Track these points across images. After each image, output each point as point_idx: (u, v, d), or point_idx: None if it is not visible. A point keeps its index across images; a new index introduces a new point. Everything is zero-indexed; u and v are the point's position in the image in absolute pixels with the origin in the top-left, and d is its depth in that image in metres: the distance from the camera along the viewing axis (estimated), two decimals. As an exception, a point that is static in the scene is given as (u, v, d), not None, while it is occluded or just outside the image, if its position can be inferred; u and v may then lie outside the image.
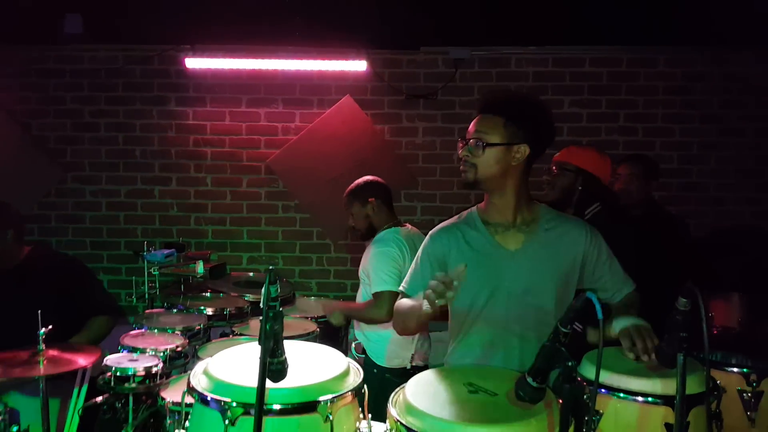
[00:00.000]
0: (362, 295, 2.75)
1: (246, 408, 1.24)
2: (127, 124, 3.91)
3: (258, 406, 1.10)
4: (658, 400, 1.28)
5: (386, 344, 2.62)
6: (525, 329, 1.63)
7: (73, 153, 3.93)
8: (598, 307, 0.97)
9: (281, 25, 3.63)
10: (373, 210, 2.70)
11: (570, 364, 1.01)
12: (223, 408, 1.25)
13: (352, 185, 2.81)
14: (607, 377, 1.32)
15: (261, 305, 1.12)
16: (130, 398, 2.17)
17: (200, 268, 2.86)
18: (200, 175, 3.94)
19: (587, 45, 3.79)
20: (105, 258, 3.94)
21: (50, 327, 2.20)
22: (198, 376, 1.38)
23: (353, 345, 2.83)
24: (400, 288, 1.77)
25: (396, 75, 3.90)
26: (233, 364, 1.42)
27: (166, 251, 2.85)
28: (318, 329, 2.80)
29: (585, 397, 1.29)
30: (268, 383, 1.19)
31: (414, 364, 2.57)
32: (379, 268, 2.54)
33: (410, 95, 3.88)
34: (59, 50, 3.82)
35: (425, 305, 1.39)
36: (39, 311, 2.15)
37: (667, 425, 1.24)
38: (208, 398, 1.29)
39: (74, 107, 3.90)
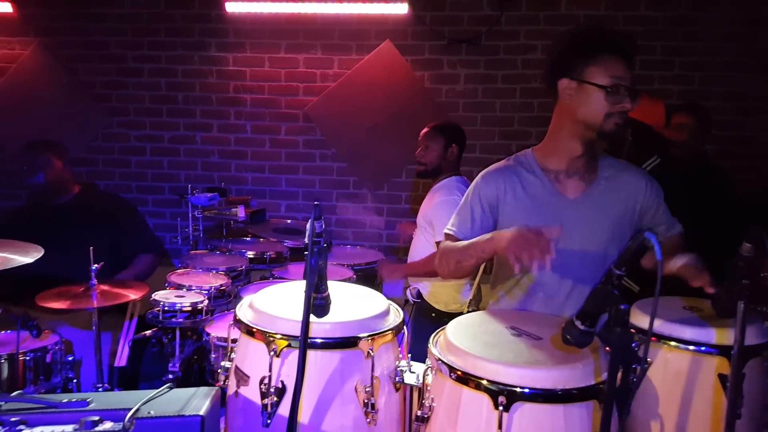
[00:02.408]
0: (419, 242, 2.76)
1: (290, 340, 1.27)
2: (170, 69, 3.92)
3: (302, 339, 1.13)
4: (712, 350, 1.24)
5: (444, 289, 2.65)
6: (576, 279, 1.59)
7: (118, 98, 3.99)
8: (657, 247, 0.94)
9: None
10: (451, 155, 2.72)
11: (622, 307, 0.98)
12: (268, 340, 1.29)
13: (443, 122, 2.83)
14: (658, 325, 1.29)
15: (306, 240, 1.13)
16: (177, 332, 2.28)
17: (241, 212, 2.91)
18: (240, 122, 3.95)
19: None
20: (150, 202, 4.05)
21: (102, 263, 2.30)
22: (244, 309, 1.43)
23: (408, 290, 2.87)
24: (448, 230, 1.73)
25: (438, 18, 3.76)
26: (277, 299, 1.46)
27: (209, 195, 2.91)
28: (354, 276, 2.85)
29: (633, 345, 1.27)
30: (312, 318, 1.22)
31: (471, 309, 2.60)
32: (445, 216, 2.54)
33: (452, 40, 3.75)
34: (102, -6, 3.83)
35: (517, 267, 1.32)
36: (91, 248, 2.25)
37: (721, 376, 1.21)
38: (254, 330, 1.33)
39: (118, 52, 3.93)
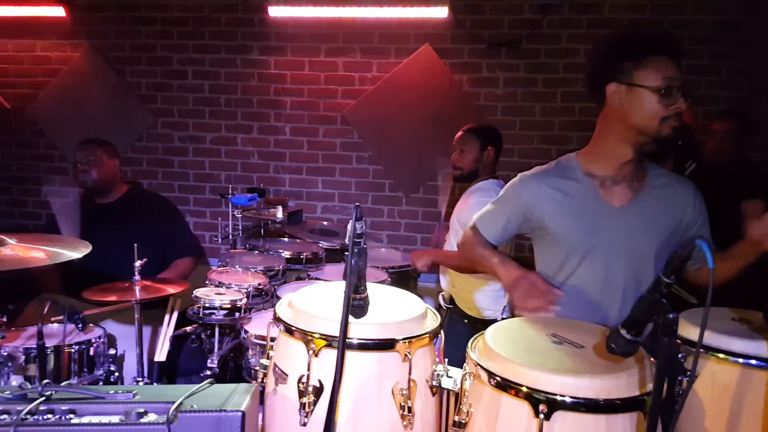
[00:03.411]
0: (452, 245, 2.75)
1: (329, 340, 1.28)
2: (213, 72, 4.02)
3: (341, 339, 1.14)
4: (763, 363, 1.20)
5: (477, 295, 2.63)
6: (619, 290, 1.55)
7: (163, 99, 4.10)
8: (708, 255, 0.91)
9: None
10: (487, 158, 2.69)
11: (671, 316, 0.96)
12: (306, 339, 1.30)
13: (478, 124, 2.83)
14: (706, 336, 1.24)
15: (346, 241, 1.14)
16: (216, 329, 2.33)
17: (279, 213, 2.96)
18: (279, 124, 4.01)
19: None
20: (191, 201, 4.15)
21: (145, 260, 2.37)
22: (283, 308, 1.44)
23: (440, 295, 2.86)
24: (476, 221, 1.72)
25: (478, 22, 3.74)
26: (316, 298, 1.47)
27: (249, 195, 2.97)
28: (389, 279, 2.85)
29: (680, 356, 1.23)
30: (352, 319, 1.23)
31: (504, 316, 2.57)
32: None
33: (492, 43, 3.72)
34: (151, -1, 3.96)
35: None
36: (135, 245, 2.32)
37: (771, 390, 1.17)
38: (293, 328, 1.34)
39: (164, 55, 4.05)
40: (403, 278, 3.15)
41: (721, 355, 1.23)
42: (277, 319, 1.40)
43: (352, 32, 3.85)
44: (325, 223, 3.86)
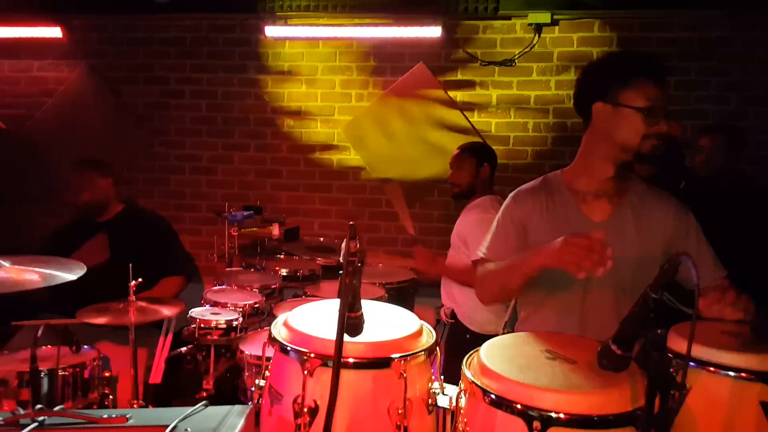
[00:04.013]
0: (453, 262, 2.76)
1: (323, 360, 1.27)
2: (210, 91, 4.05)
3: (336, 359, 1.13)
4: (753, 376, 1.20)
5: (479, 310, 2.64)
6: (605, 304, 1.57)
7: (161, 118, 4.13)
8: (693, 271, 0.92)
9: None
10: (483, 174, 2.73)
11: (659, 331, 0.96)
12: (302, 359, 1.30)
13: (473, 143, 2.86)
14: (697, 350, 1.25)
15: (341, 259, 1.14)
16: (212, 350, 2.32)
17: (275, 230, 2.97)
18: (276, 141, 4.04)
19: (676, 8, 3.51)
20: (187, 219, 4.15)
21: (140, 280, 2.36)
22: (278, 327, 1.44)
23: (441, 310, 2.86)
24: (481, 253, 1.73)
25: (472, 41, 3.80)
26: (312, 317, 1.47)
27: (245, 213, 2.98)
28: (386, 295, 2.85)
29: (672, 369, 1.23)
30: (347, 338, 1.22)
31: (507, 330, 2.57)
32: (480, 234, 2.54)
33: (485, 62, 3.77)
34: (149, 19, 3.99)
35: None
36: (130, 264, 2.31)
37: (763, 404, 1.17)
38: (288, 348, 1.34)
39: (162, 74, 4.08)
40: (402, 294, 3.15)
41: (712, 369, 1.23)
42: (272, 339, 1.40)
43: (348, 51, 3.90)
44: (322, 239, 3.87)
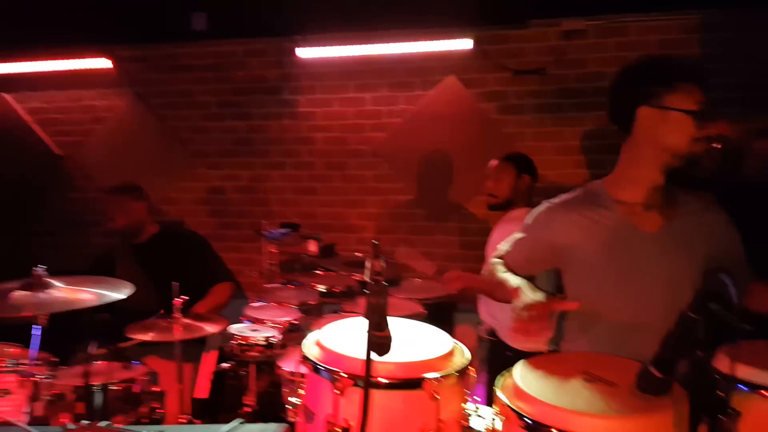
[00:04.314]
0: None
1: (354, 379, 1.29)
2: (248, 113, 4.17)
3: (366, 380, 1.15)
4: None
5: None
6: (656, 321, 1.50)
7: (202, 141, 4.28)
8: (733, 290, 0.88)
9: (387, 10, 3.66)
10: (523, 186, 2.70)
11: (701, 354, 0.93)
12: (333, 378, 1.32)
13: (514, 153, 2.84)
14: (748, 372, 1.18)
15: (366, 279, 1.16)
16: (252, 366, 2.37)
17: (313, 247, 3.01)
18: (311, 159, 4.11)
19: (718, 7, 3.38)
20: (229, 237, 4.27)
21: (184, 298, 2.44)
22: (310, 346, 1.47)
23: (480, 327, 2.82)
24: (501, 251, 1.71)
25: (503, 51, 3.77)
26: (343, 335, 1.48)
27: (282, 230, 3.04)
28: (424, 311, 2.83)
29: (720, 393, 1.17)
30: (375, 357, 1.24)
31: (551, 348, 2.52)
32: None
33: (518, 71, 3.74)
34: (188, 47, 4.16)
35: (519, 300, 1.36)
36: (173, 283, 2.40)
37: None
38: (320, 367, 1.36)
39: (202, 99, 4.24)
40: (441, 310, 3.12)
41: (765, 393, 1.17)
42: (304, 358, 1.43)
43: (378, 68, 3.95)
44: (359, 254, 3.90)
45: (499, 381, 1.29)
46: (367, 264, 1.16)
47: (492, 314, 2.70)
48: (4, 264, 4.49)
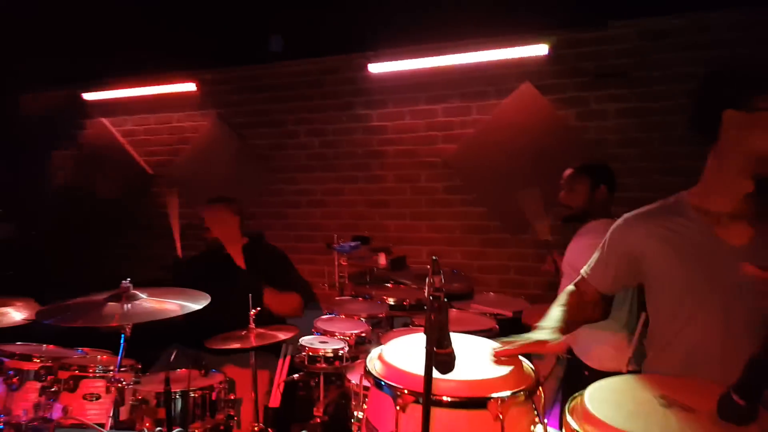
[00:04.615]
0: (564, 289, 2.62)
1: (416, 396, 1.25)
2: (322, 129, 4.28)
3: (426, 396, 1.11)
4: None
5: (597, 343, 2.45)
6: (743, 340, 1.36)
7: (279, 158, 4.44)
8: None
9: (458, 21, 3.64)
10: (599, 196, 2.58)
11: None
12: (395, 394, 1.29)
13: (589, 162, 2.73)
14: None
15: (426, 295, 1.13)
16: (321, 378, 2.39)
17: (382, 259, 3.01)
18: (383, 172, 4.14)
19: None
20: (304, 250, 4.37)
21: (259, 309, 2.52)
22: (373, 361, 1.45)
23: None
24: (584, 272, 1.62)
25: (581, 55, 3.62)
26: (406, 351, 1.46)
27: (352, 243, 3.07)
28: (497, 327, 2.75)
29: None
30: (437, 374, 1.20)
31: (631, 368, 2.37)
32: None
33: (598, 75, 3.57)
34: (266, 68, 4.35)
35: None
36: (250, 294, 2.48)
37: None
38: (382, 383, 1.34)
39: (279, 117, 4.40)
40: (515, 326, 3.02)
41: None
42: (367, 373, 1.41)
43: (450, 79, 3.92)
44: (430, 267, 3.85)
45: (570, 403, 1.21)
46: (428, 280, 1.12)
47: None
48: (100, 275, 4.89)
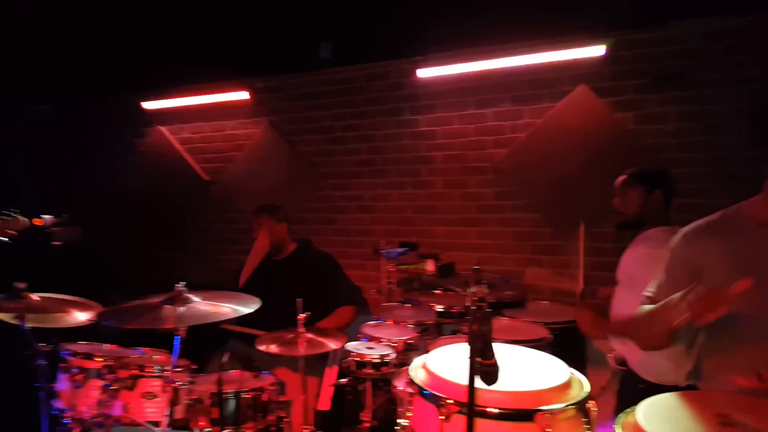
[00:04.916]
0: (620, 300, 2.52)
1: (460, 406, 1.23)
2: (370, 135, 4.31)
3: (469, 407, 1.09)
4: None
5: (654, 356, 2.34)
6: None
7: (328, 164, 4.49)
8: None
9: (510, 22, 3.58)
10: (655, 203, 2.48)
11: None
12: (439, 403, 1.27)
13: (644, 168, 2.63)
14: None
15: (468, 305, 1.11)
16: (368, 383, 2.39)
17: (430, 266, 2.99)
18: (431, 178, 4.11)
19: None
20: (353, 255, 4.40)
21: (308, 313, 2.55)
22: (417, 369, 1.44)
23: (612, 355, 2.61)
24: (647, 292, 1.55)
25: (640, 56, 3.48)
26: (451, 360, 1.44)
27: (399, 249, 3.06)
28: (551, 336, 2.67)
29: None
30: (483, 385, 1.17)
31: (689, 383, 2.26)
32: (648, 270, 2.30)
33: (658, 77, 3.42)
34: (315, 75, 4.42)
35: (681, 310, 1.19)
36: (299, 299, 2.52)
37: None
38: (426, 392, 1.32)
39: (327, 124, 4.46)
40: (570, 336, 2.93)
41: None
42: (410, 381, 1.40)
43: (501, 82, 3.85)
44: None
45: (621, 418, 1.15)
46: (469, 290, 1.10)
47: (624, 342, 2.45)
48: (158, 278, 5.10)
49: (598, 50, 3.50)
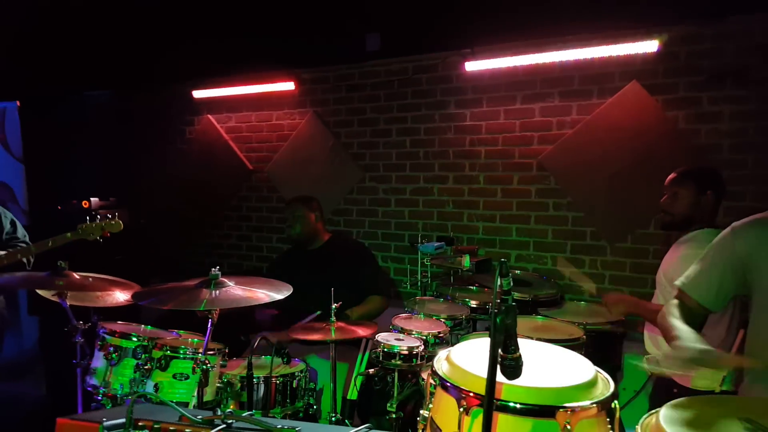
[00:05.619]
0: (657, 302, 2.44)
1: (481, 399, 1.22)
2: (414, 128, 4.29)
3: (487, 400, 1.07)
4: None
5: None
6: None
7: (371, 156, 4.50)
8: None
9: (562, 16, 3.49)
10: (705, 203, 2.39)
11: None
12: (459, 396, 1.26)
13: (696, 166, 2.54)
14: None
15: (493, 297, 1.09)
16: (396, 373, 2.39)
17: (466, 261, 2.96)
18: (474, 173, 4.06)
19: None
20: (392, 248, 4.41)
21: (340, 303, 2.58)
22: (441, 362, 1.43)
23: (645, 358, 2.53)
24: (680, 282, 1.49)
25: (696, 52, 3.32)
26: (476, 354, 1.42)
27: (436, 243, 3.04)
28: (585, 336, 2.60)
29: None
30: (505, 380, 1.15)
31: (724, 387, 2.17)
32: None
33: (713, 74, 3.25)
34: (361, 67, 4.43)
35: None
36: (332, 288, 2.55)
37: None
38: (448, 384, 1.31)
39: (372, 116, 4.47)
40: (605, 338, 2.86)
41: None
42: (433, 373, 1.39)
43: (550, 77, 3.76)
44: (518, 272, 3.73)
45: (643, 420, 1.11)
46: (493, 282, 1.09)
47: (657, 344, 2.36)
48: (200, 264, 5.25)
49: (650, 46, 3.37)
